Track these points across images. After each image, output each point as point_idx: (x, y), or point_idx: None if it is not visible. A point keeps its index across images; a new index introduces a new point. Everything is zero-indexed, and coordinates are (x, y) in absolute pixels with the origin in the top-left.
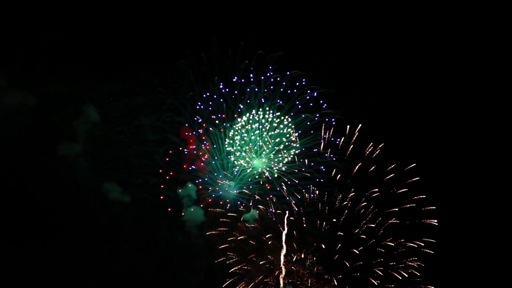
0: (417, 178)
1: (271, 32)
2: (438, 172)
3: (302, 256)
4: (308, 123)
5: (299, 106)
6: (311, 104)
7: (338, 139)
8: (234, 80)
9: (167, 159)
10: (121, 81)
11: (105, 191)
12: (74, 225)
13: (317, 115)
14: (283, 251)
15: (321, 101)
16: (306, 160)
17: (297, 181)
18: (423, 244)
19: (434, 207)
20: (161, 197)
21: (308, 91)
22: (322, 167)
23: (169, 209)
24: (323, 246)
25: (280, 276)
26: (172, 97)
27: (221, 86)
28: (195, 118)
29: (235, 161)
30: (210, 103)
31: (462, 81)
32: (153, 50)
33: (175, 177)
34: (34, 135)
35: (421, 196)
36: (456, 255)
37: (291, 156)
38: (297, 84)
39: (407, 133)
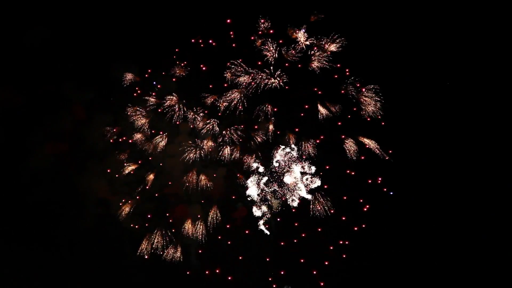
0: None
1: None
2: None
3: None
4: None
5: None
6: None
7: None
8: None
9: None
10: (108, 80)
11: (93, 190)
12: (62, 223)
13: None
14: None
15: None
16: None
17: None
18: None
19: None
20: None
21: None
22: None
23: (156, 209)
24: None
25: None
26: (160, 96)
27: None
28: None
29: None
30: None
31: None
32: (139, 49)
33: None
34: (21, 134)
35: None
36: None
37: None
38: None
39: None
